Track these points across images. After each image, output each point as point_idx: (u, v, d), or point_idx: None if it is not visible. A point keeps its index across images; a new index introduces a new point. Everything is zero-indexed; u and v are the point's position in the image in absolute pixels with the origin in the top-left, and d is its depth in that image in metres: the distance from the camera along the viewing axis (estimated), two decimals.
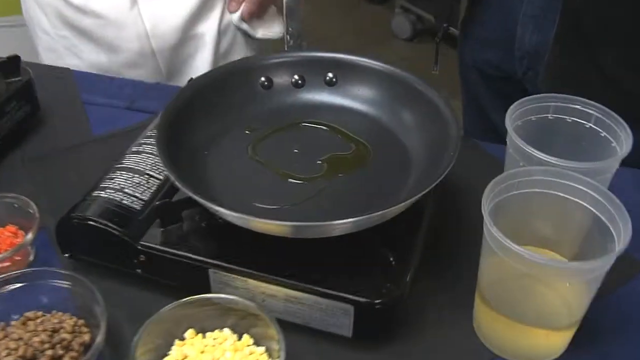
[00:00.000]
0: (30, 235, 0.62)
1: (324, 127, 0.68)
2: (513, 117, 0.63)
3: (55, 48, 0.97)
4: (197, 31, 0.95)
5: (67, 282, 0.58)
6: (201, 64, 0.97)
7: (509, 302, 0.55)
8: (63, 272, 0.58)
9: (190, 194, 0.54)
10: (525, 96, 0.64)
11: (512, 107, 0.64)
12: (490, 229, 0.50)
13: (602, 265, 0.49)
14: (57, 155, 0.78)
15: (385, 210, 0.52)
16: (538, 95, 0.64)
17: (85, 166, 0.76)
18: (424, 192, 0.53)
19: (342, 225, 0.52)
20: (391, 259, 0.56)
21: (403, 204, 0.53)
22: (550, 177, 0.56)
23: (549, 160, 0.57)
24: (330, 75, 0.71)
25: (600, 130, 0.63)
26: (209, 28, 0.95)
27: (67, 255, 0.63)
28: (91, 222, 0.59)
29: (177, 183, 0.55)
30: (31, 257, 0.65)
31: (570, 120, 0.65)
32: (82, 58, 0.95)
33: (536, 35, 0.87)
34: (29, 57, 0.88)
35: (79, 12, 0.92)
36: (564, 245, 0.59)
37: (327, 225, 0.52)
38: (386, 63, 0.69)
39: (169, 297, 0.56)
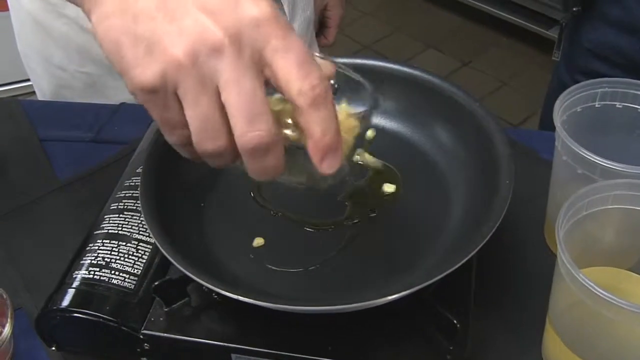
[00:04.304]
0: (7, 329, 0.51)
1: None
2: (561, 110, 0.54)
3: (72, 85, 0.82)
4: None
5: None
6: None
7: (587, 342, 0.46)
8: None
9: (197, 279, 0.43)
10: None
11: (560, 97, 0.54)
12: (572, 271, 0.41)
13: None
14: (18, 212, 0.65)
15: (435, 280, 0.42)
16: (590, 81, 0.54)
17: (55, 221, 0.64)
18: (476, 250, 0.44)
19: (380, 302, 0.42)
20: (450, 317, 0.46)
21: (452, 269, 0.43)
22: (625, 190, 0.47)
23: (623, 170, 0.48)
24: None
25: None
26: None
27: (53, 348, 0.52)
28: (77, 315, 0.49)
29: (176, 264, 0.44)
30: (10, 353, 0.54)
31: (620, 106, 0.56)
32: (109, 96, 0.80)
33: None
34: None
35: None
36: (628, 257, 0.51)
37: (360, 306, 0.42)
38: (408, 66, 0.57)
39: None
